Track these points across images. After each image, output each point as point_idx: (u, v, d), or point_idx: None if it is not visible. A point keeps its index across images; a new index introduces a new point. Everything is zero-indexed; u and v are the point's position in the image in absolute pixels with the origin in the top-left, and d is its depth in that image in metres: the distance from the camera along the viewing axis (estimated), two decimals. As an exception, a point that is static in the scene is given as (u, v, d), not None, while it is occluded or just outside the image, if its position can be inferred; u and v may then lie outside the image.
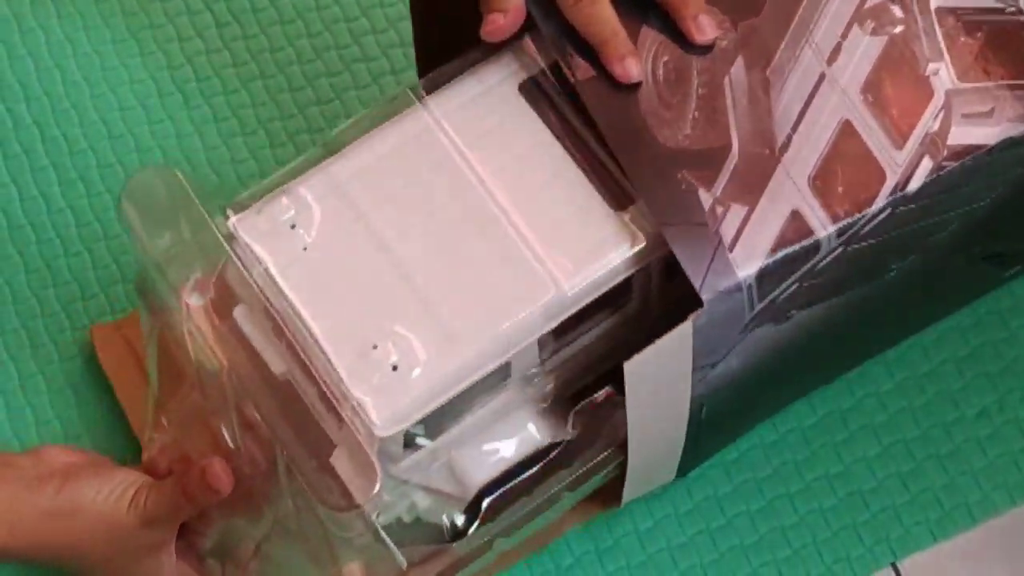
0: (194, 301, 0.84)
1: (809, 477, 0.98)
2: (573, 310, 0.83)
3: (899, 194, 0.84)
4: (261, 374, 0.82)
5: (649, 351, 0.80)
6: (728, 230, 0.81)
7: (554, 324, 0.83)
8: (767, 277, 0.82)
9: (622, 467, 0.90)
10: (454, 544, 0.86)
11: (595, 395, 0.88)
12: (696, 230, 0.81)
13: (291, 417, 0.81)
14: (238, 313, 0.83)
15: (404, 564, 0.83)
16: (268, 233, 0.83)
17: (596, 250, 0.83)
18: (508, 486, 0.87)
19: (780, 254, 0.82)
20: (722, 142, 0.83)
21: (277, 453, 0.82)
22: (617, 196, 0.84)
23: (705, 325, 0.81)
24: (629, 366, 0.81)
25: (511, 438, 0.87)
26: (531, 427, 0.87)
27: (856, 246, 0.84)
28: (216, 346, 0.84)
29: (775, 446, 0.99)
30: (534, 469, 0.87)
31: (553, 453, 0.87)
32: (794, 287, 0.83)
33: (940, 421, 0.99)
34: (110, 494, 0.86)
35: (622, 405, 0.85)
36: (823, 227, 0.83)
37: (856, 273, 0.86)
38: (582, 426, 0.88)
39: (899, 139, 0.84)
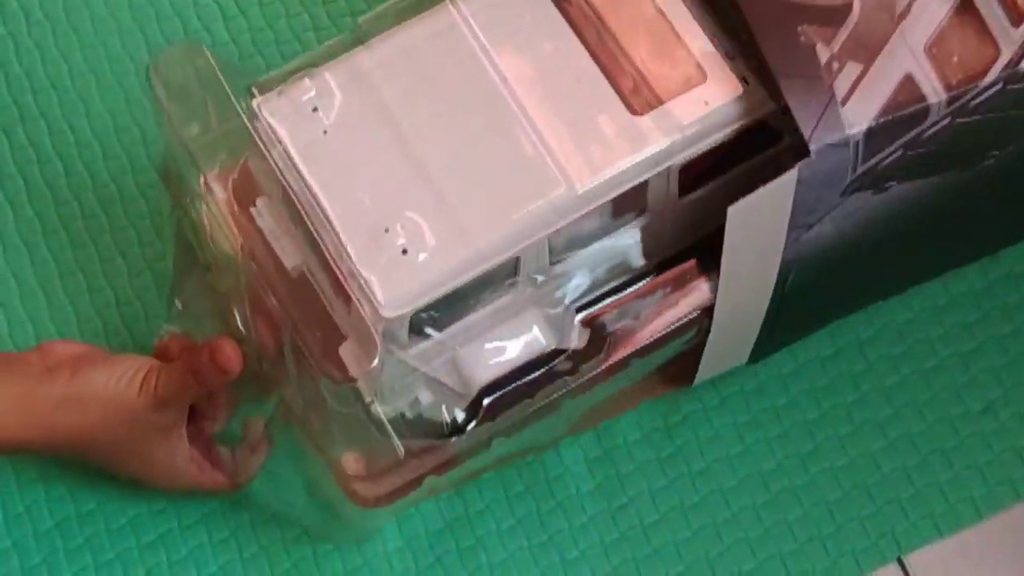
0: (217, 189, 0.86)
1: (814, 470, 0.98)
2: (584, 209, 0.84)
3: (1012, 69, 0.85)
4: (276, 264, 0.85)
5: (753, 197, 0.83)
6: (842, 86, 0.83)
7: (564, 222, 0.84)
8: (874, 137, 0.84)
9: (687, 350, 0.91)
10: (452, 439, 0.87)
11: (603, 306, 0.89)
12: (811, 83, 0.83)
13: (302, 304, 0.84)
14: (257, 208, 0.86)
15: (402, 452, 0.85)
16: (290, 114, 0.85)
17: (611, 152, 0.84)
18: (509, 387, 0.88)
19: (890, 116, 0.84)
20: (844, 1, 0.85)
21: (286, 334, 0.84)
22: (638, 101, 0.85)
23: (808, 179, 0.83)
24: (732, 210, 0.83)
25: (517, 340, 0.88)
26: (537, 331, 0.88)
27: (963, 120, 0.86)
28: (234, 233, 0.86)
29: (780, 439, 0.99)
30: (537, 373, 0.88)
31: (557, 360, 0.88)
32: (897, 154, 0.85)
33: (945, 415, 0.99)
34: (120, 378, 0.88)
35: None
36: (935, 93, 0.85)
37: (957, 153, 0.88)
38: (589, 336, 0.89)
39: (1016, 18, 0.86)
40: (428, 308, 0.83)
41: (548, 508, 0.97)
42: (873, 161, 0.85)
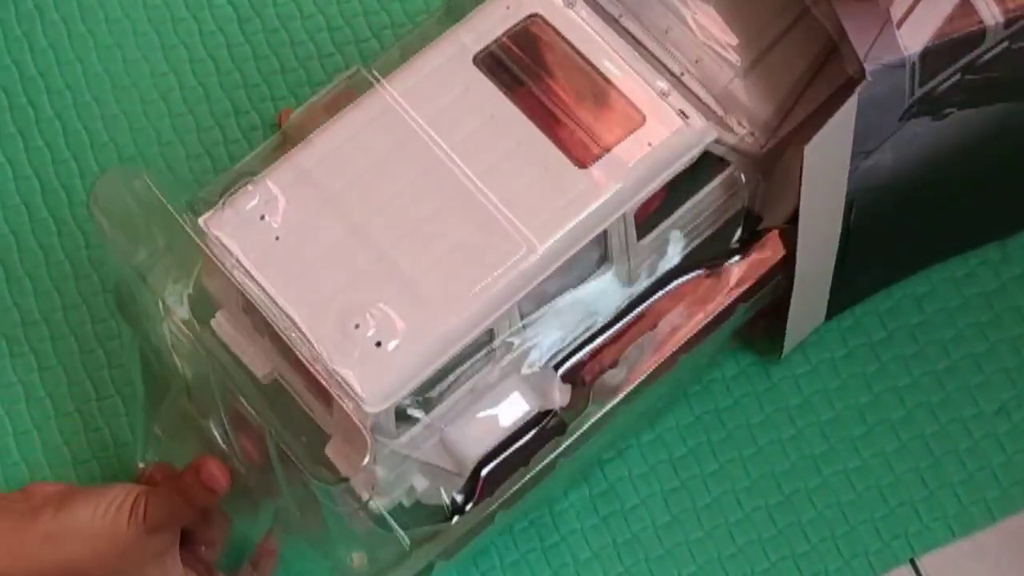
0: (176, 309, 0.85)
1: (827, 472, 0.98)
2: (549, 270, 0.84)
3: None
4: (247, 375, 0.84)
5: (823, 130, 0.84)
6: (897, 9, 0.84)
7: (531, 286, 0.84)
8: (930, 58, 0.85)
9: None
10: (454, 521, 0.87)
11: (580, 358, 0.89)
12: (865, 6, 0.84)
13: (280, 411, 0.83)
14: (216, 322, 0.85)
15: (407, 543, 0.84)
16: (238, 226, 0.84)
17: (565, 208, 0.84)
18: (502, 458, 0.87)
19: (947, 37, 0.85)
20: None
21: (269, 443, 0.83)
22: (582, 154, 0.85)
23: (867, 102, 0.84)
24: (808, 148, 0.84)
25: (502, 410, 0.87)
26: (519, 396, 0.88)
27: (1020, 45, 0.86)
28: (200, 351, 0.84)
29: (793, 440, 0.99)
30: (527, 439, 0.88)
31: (545, 422, 0.88)
32: (955, 78, 0.86)
33: (958, 416, 0.99)
34: (108, 508, 0.86)
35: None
36: (992, 16, 0.85)
37: (1015, 81, 0.89)
38: (571, 391, 0.89)
39: None
40: (411, 394, 0.83)
41: (559, 509, 0.98)
42: (930, 85, 0.86)
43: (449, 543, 0.88)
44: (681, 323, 0.91)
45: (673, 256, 0.90)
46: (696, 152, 0.86)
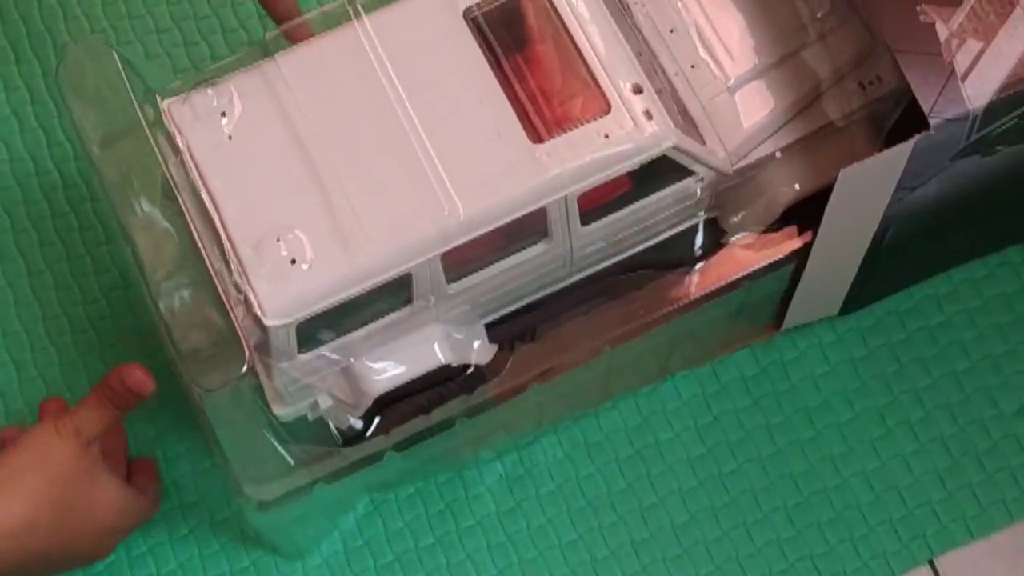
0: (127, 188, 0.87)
1: (846, 472, 0.98)
2: (471, 234, 0.84)
3: None
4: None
5: (867, 162, 0.84)
6: (962, 62, 0.85)
7: (449, 246, 0.84)
8: (993, 111, 0.85)
9: None
10: (343, 449, 0.88)
11: (511, 326, 0.90)
12: (930, 60, 0.84)
13: (185, 307, 0.85)
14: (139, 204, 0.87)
15: (290, 460, 0.86)
16: (195, 119, 0.85)
17: (502, 178, 0.84)
18: (402, 400, 0.88)
19: (1011, 90, 0.85)
20: None
21: (165, 339, 0.84)
22: (539, 129, 0.85)
23: (923, 149, 0.85)
24: (844, 173, 0.84)
25: (414, 355, 0.88)
26: (436, 348, 0.88)
27: None
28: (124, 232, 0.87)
29: (812, 441, 0.99)
30: (433, 390, 0.89)
31: (459, 378, 0.89)
32: (1012, 123, 0.87)
33: (978, 418, 0.99)
34: (38, 436, 0.88)
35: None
36: None
37: None
38: (496, 355, 0.89)
39: None
40: (315, 319, 0.83)
41: (578, 506, 0.98)
42: (987, 130, 0.86)
43: (334, 469, 0.88)
44: (615, 320, 0.90)
45: (622, 250, 0.90)
46: (649, 156, 0.85)
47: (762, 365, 1.00)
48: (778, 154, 0.89)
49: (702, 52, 0.89)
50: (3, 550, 0.86)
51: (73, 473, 0.88)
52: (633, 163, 0.85)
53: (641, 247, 0.90)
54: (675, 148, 0.85)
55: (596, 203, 0.87)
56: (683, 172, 0.87)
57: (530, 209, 0.84)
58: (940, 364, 1.00)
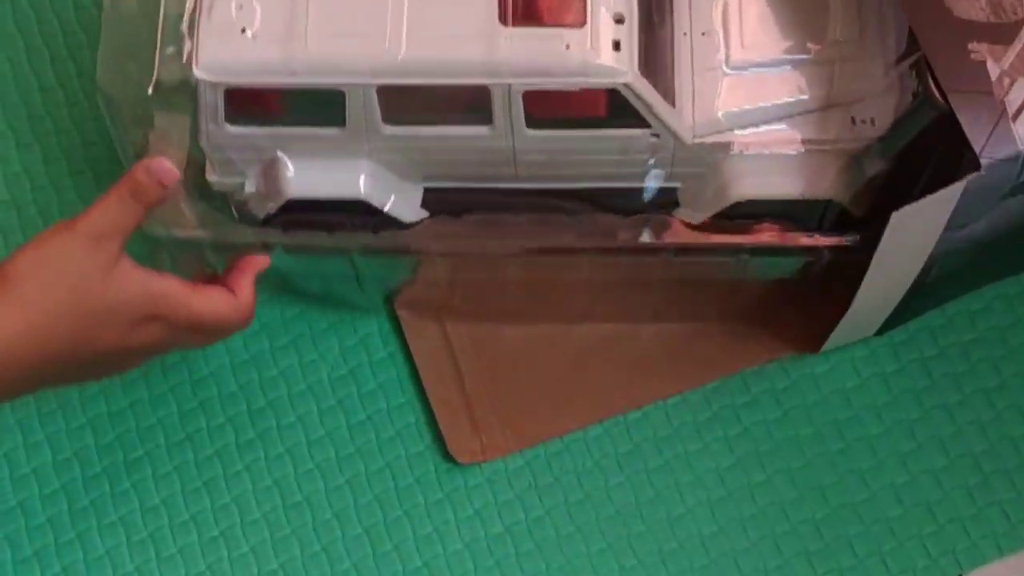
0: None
1: (875, 486, 0.98)
2: (404, 79, 0.85)
3: None
4: None
5: (918, 204, 0.84)
6: (1014, 101, 0.84)
7: (381, 80, 0.85)
8: None
9: None
10: (237, 224, 0.91)
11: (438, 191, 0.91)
12: (981, 98, 0.84)
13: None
14: None
15: (191, 217, 0.91)
16: None
17: (452, 41, 0.85)
18: (310, 212, 0.90)
19: None
20: (1016, 18, 0.86)
21: None
22: (513, 16, 0.85)
23: (974, 190, 0.84)
24: (896, 216, 0.85)
25: (339, 176, 0.89)
26: (361, 179, 0.89)
27: None
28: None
29: (842, 454, 0.99)
30: (338, 214, 0.91)
31: (370, 216, 0.90)
32: None
33: (1008, 435, 0.99)
34: (44, 235, 0.83)
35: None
36: None
37: None
38: (418, 218, 0.91)
39: None
40: (247, 95, 0.86)
41: (608, 513, 0.98)
42: None
43: (222, 241, 0.91)
44: (552, 233, 0.92)
45: (573, 176, 0.90)
46: (597, 83, 0.85)
47: (792, 378, 1.00)
48: (736, 148, 0.89)
49: (719, 25, 0.89)
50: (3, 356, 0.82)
51: (81, 271, 0.82)
52: (580, 82, 0.85)
53: (593, 184, 0.90)
54: (627, 87, 0.85)
55: (547, 111, 0.87)
56: (638, 120, 0.87)
57: (467, 81, 0.85)
58: (972, 380, 1.00)
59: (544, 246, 0.92)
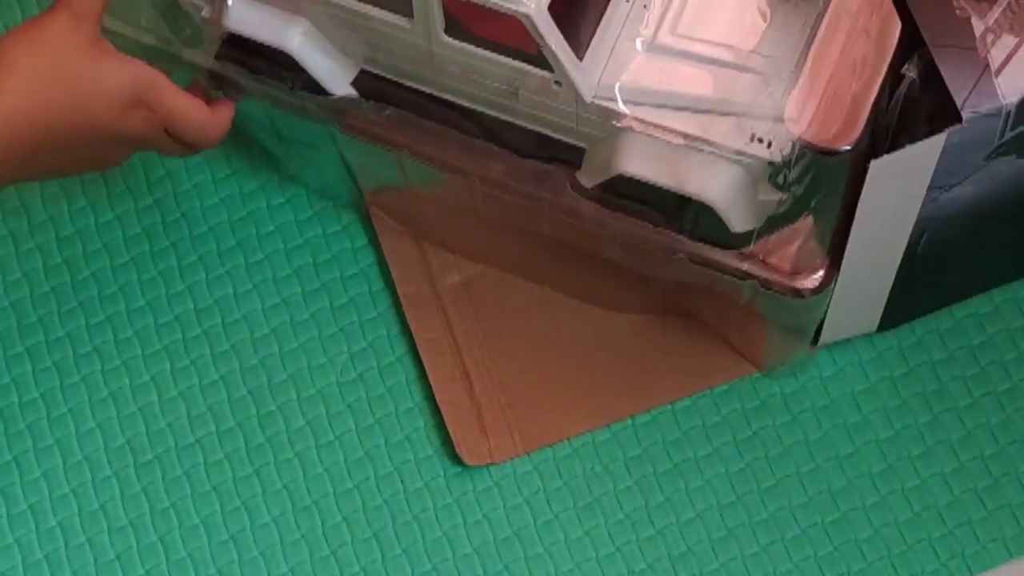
0: None
1: (885, 490, 0.98)
2: None
3: None
4: None
5: (896, 155, 0.84)
6: (996, 57, 0.85)
7: None
8: None
9: None
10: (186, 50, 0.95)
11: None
12: (965, 53, 0.85)
13: None
14: None
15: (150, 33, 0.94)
16: None
17: None
18: (251, 55, 0.93)
19: None
20: None
21: None
22: None
23: (956, 144, 0.84)
24: (874, 164, 0.84)
25: (274, 27, 0.92)
26: (295, 35, 0.92)
27: None
28: None
29: (851, 458, 0.99)
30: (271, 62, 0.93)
31: (296, 80, 0.93)
32: None
33: (1018, 438, 0.99)
34: (33, 19, 0.87)
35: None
36: None
37: None
38: (345, 92, 0.93)
39: None
40: None
41: (617, 518, 0.98)
42: (1021, 128, 0.86)
43: (172, 54, 0.94)
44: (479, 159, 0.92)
45: (484, 101, 0.91)
46: (498, 4, 0.84)
47: (801, 381, 1.00)
48: (629, 123, 0.88)
49: (661, 2, 0.89)
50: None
51: (67, 43, 0.87)
52: (497, 6, 0.84)
53: (505, 116, 0.91)
54: (528, 18, 0.84)
55: (465, 23, 0.87)
56: (544, 61, 0.87)
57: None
58: (981, 384, 1.00)
59: (445, 160, 0.93)
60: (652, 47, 0.88)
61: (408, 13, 0.88)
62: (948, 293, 1.00)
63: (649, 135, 0.88)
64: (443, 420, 0.99)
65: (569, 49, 0.86)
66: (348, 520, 0.98)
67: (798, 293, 0.90)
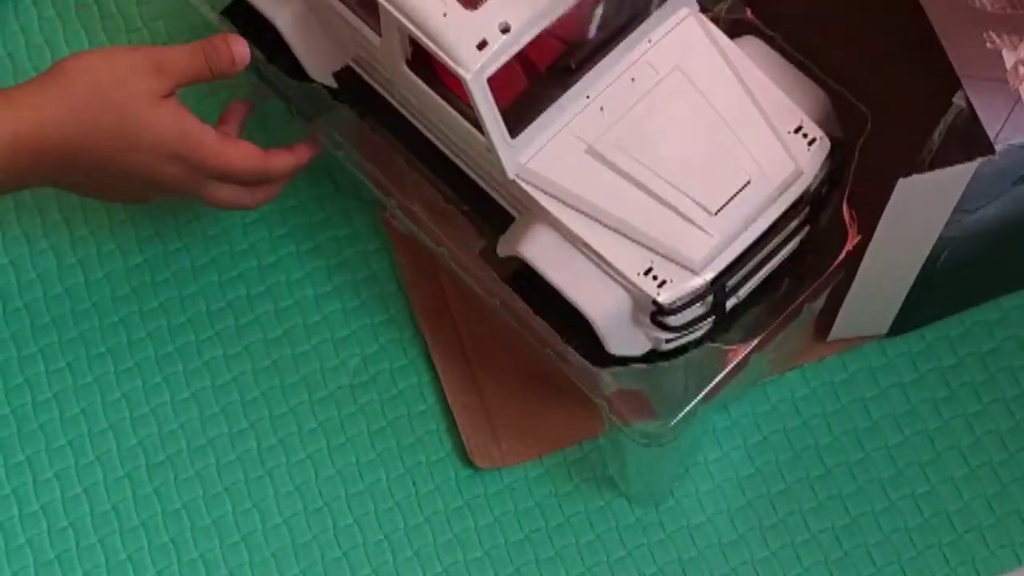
0: None
1: (895, 496, 0.98)
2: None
3: None
4: None
5: (926, 176, 0.85)
6: None
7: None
8: None
9: None
10: None
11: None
12: (996, 86, 0.85)
13: None
14: None
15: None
16: None
17: None
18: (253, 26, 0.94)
19: None
20: None
21: None
22: None
23: (986, 173, 0.85)
24: (902, 183, 0.85)
25: None
26: (288, 12, 0.93)
27: None
28: None
29: (861, 463, 0.99)
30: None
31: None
32: None
33: (1028, 445, 1.00)
34: (120, 47, 0.91)
35: None
36: None
37: None
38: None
39: None
40: None
41: (626, 523, 0.98)
42: None
43: None
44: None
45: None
46: (441, 58, 0.85)
47: (812, 386, 1.00)
48: (539, 212, 0.88)
49: (623, 110, 0.88)
50: (45, 146, 0.87)
51: (134, 86, 0.88)
52: (431, 48, 0.85)
53: (457, 160, 0.92)
54: (465, 83, 0.85)
55: (423, 62, 0.88)
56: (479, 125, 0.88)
57: None
58: (991, 390, 1.00)
59: (374, 174, 0.94)
60: (592, 151, 0.88)
61: (379, 32, 0.88)
62: (961, 301, 1.01)
63: (560, 233, 0.88)
64: (455, 423, 1.00)
65: (501, 122, 0.86)
66: (360, 522, 0.98)
67: (645, 435, 0.90)
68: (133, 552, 0.98)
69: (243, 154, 0.92)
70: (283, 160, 0.94)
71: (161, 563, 0.98)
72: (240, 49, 0.91)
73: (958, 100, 0.86)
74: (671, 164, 0.88)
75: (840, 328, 0.98)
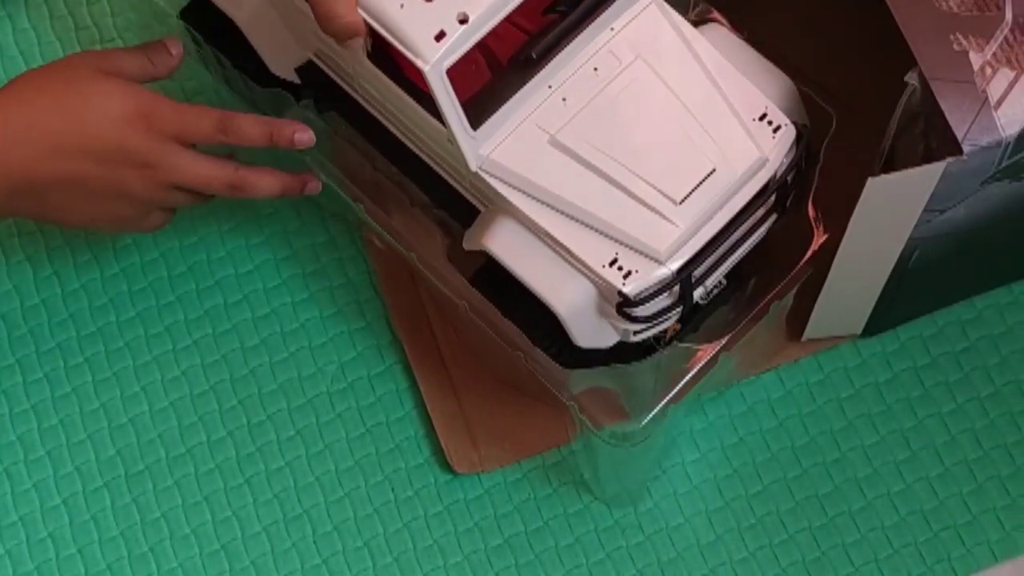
0: None
1: (871, 495, 0.99)
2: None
3: None
4: None
5: (895, 176, 0.85)
6: (995, 90, 0.85)
7: None
8: None
9: None
10: None
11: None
12: (964, 87, 0.85)
13: None
14: None
15: None
16: None
17: None
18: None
19: None
20: (997, 11, 0.87)
21: None
22: None
23: (955, 174, 0.85)
24: (872, 182, 0.85)
25: None
26: (248, 5, 0.93)
27: None
28: None
29: (837, 463, 0.99)
30: None
31: None
32: None
33: (1002, 443, 1.00)
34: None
35: None
36: None
37: None
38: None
39: None
40: None
41: (606, 525, 0.98)
42: (1018, 156, 0.87)
43: None
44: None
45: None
46: (400, 50, 0.85)
47: (787, 387, 1.01)
48: (503, 204, 0.89)
49: (585, 100, 0.88)
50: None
51: (68, 69, 0.90)
52: (391, 41, 0.86)
53: (417, 150, 0.92)
54: (424, 74, 0.85)
55: (383, 53, 0.88)
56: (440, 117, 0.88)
57: None
58: (965, 389, 1.01)
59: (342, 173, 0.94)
60: (554, 142, 0.88)
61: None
62: (934, 301, 1.01)
63: (525, 225, 0.88)
64: (434, 429, 1.00)
65: (462, 114, 0.86)
66: (339, 529, 0.99)
67: (615, 437, 0.91)
68: (113, 562, 0.98)
69: (200, 109, 0.91)
70: (244, 120, 0.92)
71: (141, 572, 0.98)
72: (177, 49, 0.93)
73: (910, 79, 0.87)
74: (635, 153, 0.88)
75: (814, 328, 0.99)
